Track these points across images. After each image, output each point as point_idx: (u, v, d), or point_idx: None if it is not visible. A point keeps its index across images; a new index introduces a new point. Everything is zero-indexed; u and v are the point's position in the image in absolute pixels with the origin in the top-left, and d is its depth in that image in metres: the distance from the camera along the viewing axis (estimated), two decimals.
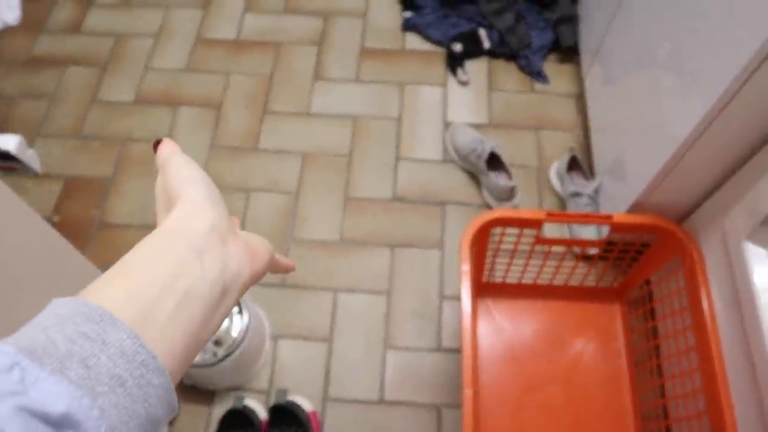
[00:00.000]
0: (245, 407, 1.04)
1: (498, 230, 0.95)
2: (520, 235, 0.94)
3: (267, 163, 1.35)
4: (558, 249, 1.11)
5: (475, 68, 1.48)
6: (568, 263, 1.11)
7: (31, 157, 1.31)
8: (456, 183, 1.31)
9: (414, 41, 1.53)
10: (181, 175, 0.32)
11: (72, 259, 0.83)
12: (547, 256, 1.00)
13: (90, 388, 0.21)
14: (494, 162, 1.26)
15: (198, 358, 0.97)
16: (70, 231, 1.23)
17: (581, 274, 1.10)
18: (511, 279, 1.10)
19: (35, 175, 1.33)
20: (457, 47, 1.46)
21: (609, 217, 0.88)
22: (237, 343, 0.98)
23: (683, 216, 0.97)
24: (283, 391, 1.08)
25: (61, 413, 0.19)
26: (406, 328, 1.15)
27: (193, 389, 1.09)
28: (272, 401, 1.07)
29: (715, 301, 0.83)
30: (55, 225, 1.21)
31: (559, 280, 1.10)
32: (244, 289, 0.31)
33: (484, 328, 1.11)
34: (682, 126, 0.79)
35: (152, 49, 1.52)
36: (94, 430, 0.20)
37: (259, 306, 1.15)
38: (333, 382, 1.10)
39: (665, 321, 0.97)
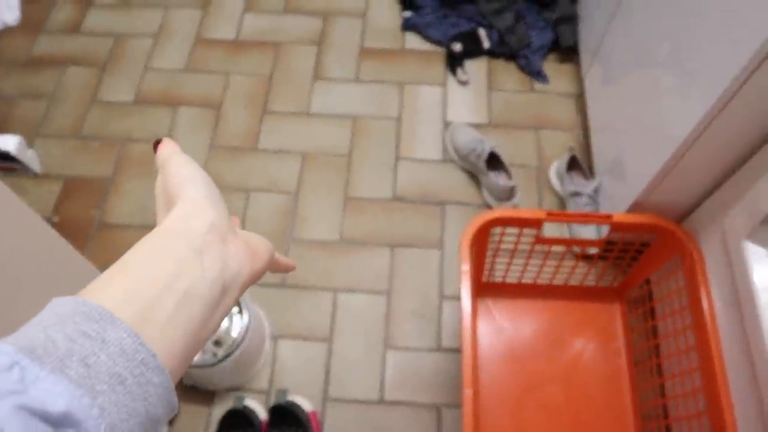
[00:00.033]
0: (245, 407, 1.04)
1: (498, 230, 0.95)
2: (519, 235, 0.94)
3: (266, 163, 1.35)
4: (558, 249, 1.11)
5: (475, 68, 1.48)
6: (568, 263, 1.11)
7: (30, 158, 1.31)
8: (456, 183, 1.31)
9: (414, 41, 1.53)
10: (180, 174, 0.32)
11: (71, 259, 0.83)
12: (546, 255, 1.00)
13: (90, 387, 0.21)
14: (494, 162, 1.26)
15: (198, 359, 0.97)
16: (69, 231, 1.23)
17: (581, 274, 1.10)
18: (511, 279, 1.10)
19: (35, 175, 1.33)
20: (457, 47, 1.46)
21: (609, 216, 0.88)
22: (237, 344, 0.98)
23: (683, 215, 0.97)
24: (283, 392, 1.08)
25: (61, 412, 0.19)
26: (406, 328, 1.15)
27: (193, 389, 1.09)
28: (272, 401, 1.07)
29: (715, 300, 0.83)
30: (54, 225, 1.21)
31: (558, 280, 1.10)
32: (244, 288, 0.31)
33: (484, 328, 1.11)
34: (682, 126, 0.79)
35: (152, 49, 1.52)
36: (94, 428, 0.20)
37: (258, 306, 1.14)
38: (333, 382, 1.10)
39: (665, 320, 0.97)
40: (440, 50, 1.51)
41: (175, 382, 0.25)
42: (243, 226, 1.15)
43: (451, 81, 1.46)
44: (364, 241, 1.24)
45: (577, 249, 1.17)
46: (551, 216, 0.89)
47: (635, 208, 0.97)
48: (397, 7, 1.59)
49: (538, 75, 1.45)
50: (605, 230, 0.94)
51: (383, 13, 1.58)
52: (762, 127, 0.75)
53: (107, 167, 1.35)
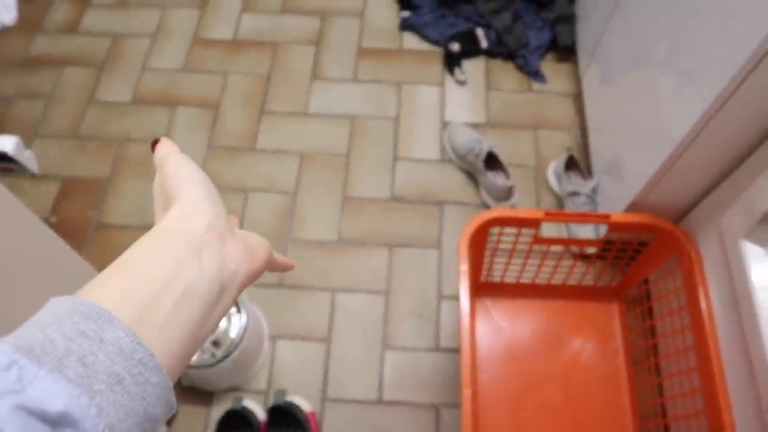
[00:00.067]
0: (244, 408, 1.03)
1: (496, 230, 0.95)
2: (518, 235, 0.94)
3: (265, 163, 1.34)
4: (556, 248, 1.11)
5: (473, 68, 1.48)
6: (566, 262, 1.11)
7: (28, 158, 1.31)
8: (454, 183, 1.31)
9: (411, 41, 1.53)
10: (179, 174, 0.32)
11: (69, 259, 0.83)
12: (545, 255, 1.00)
13: (88, 387, 0.21)
14: (492, 161, 1.26)
15: (196, 359, 0.97)
16: (67, 232, 1.23)
17: (579, 274, 1.10)
18: (510, 278, 1.10)
19: (32, 175, 1.33)
20: (455, 47, 1.46)
21: (607, 216, 0.89)
22: (235, 344, 0.98)
23: (681, 215, 0.97)
24: (282, 392, 1.08)
25: (59, 411, 0.19)
26: (404, 328, 1.15)
27: (191, 390, 1.08)
28: (271, 402, 1.07)
29: (713, 299, 0.83)
30: (52, 226, 1.20)
31: (557, 280, 1.11)
32: (243, 287, 0.31)
33: (482, 328, 1.11)
34: (680, 125, 0.79)
35: (149, 49, 1.52)
36: (92, 428, 0.20)
37: (257, 306, 1.14)
38: (331, 383, 1.10)
39: (663, 320, 0.97)
40: (438, 50, 1.51)
41: (174, 381, 0.25)
42: (241, 227, 1.15)
43: (449, 81, 1.46)
44: (362, 241, 1.24)
45: (575, 249, 1.18)
46: (549, 216, 0.89)
47: (633, 207, 0.97)
48: (394, 6, 1.59)
49: (535, 75, 1.45)
50: (603, 230, 0.94)
51: (381, 13, 1.58)
52: (760, 126, 0.76)
53: (105, 167, 1.35)
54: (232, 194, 1.30)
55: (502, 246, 1.03)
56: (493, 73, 1.47)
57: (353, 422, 1.07)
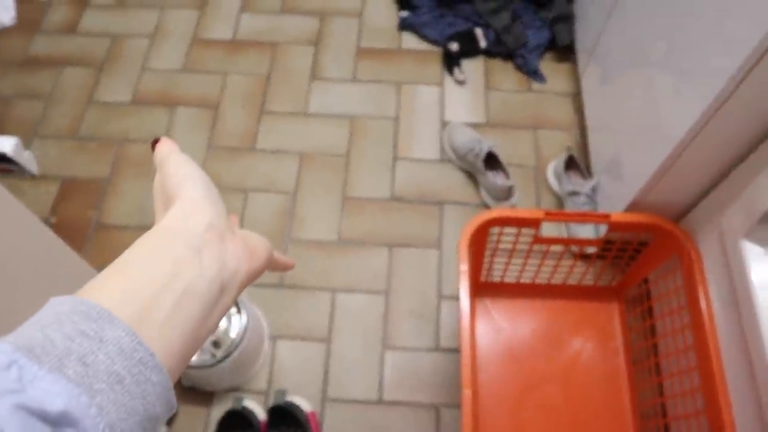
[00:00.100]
0: (244, 408, 1.03)
1: (496, 230, 0.95)
2: (518, 235, 0.94)
3: (264, 164, 1.34)
4: (556, 248, 1.11)
5: (472, 67, 1.48)
6: (566, 262, 1.11)
7: (27, 159, 1.31)
8: (454, 182, 1.31)
9: (410, 41, 1.53)
10: (179, 173, 0.32)
11: (69, 260, 0.83)
12: (545, 255, 1.00)
13: (88, 386, 0.21)
14: (492, 161, 1.26)
15: (196, 359, 0.97)
16: (67, 232, 1.23)
17: (579, 273, 1.10)
18: (510, 278, 1.10)
19: (32, 176, 1.33)
20: (454, 46, 1.46)
21: (607, 216, 0.89)
22: (235, 344, 0.98)
23: (681, 214, 0.97)
24: (282, 392, 1.08)
25: (59, 411, 0.19)
26: (404, 328, 1.15)
27: (191, 390, 1.08)
28: (271, 402, 1.07)
29: (713, 299, 0.83)
30: (52, 226, 1.20)
31: (557, 279, 1.11)
32: (243, 287, 0.30)
33: (482, 328, 1.11)
34: (679, 125, 0.79)
35: (148, 49, 1.52)
36: (92, 427, 0.20)
37: (257, 306, 1.14)
38: (331, 383, 1.10)
39: (663, 319, 0.97)
40: (437, 50, 1.51)
41: (174, 381, 0.25)
42: (241, 227, 1.15)
43: (449, 81, 1.46)
44: (362, 241, 1.24)
45: (575, 248, 1.18)
46: (549, 215, 0.89)
47: (633, 207, 0.97)
48: (393, 6, 1.59)
49: (535, 74, 1.45)
50: (603, 229, 0.94)
51: (380, 13, 1.58)
52: (759, 125, 0.76)
53: (105, 168, 1.34)
54: (232, 194, 1.30)
55: (502, 246, 1.03)
56: (493, 73, 1.47)
57: (353, 422, 1.07)
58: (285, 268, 0.38)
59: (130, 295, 0.25)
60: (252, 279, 0.31)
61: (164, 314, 0.25)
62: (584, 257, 1.15)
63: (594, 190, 1.18)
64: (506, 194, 1.23)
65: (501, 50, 1.47)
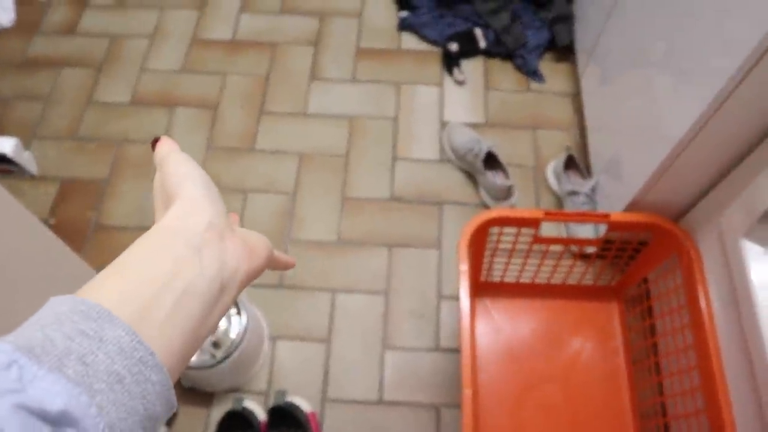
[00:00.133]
0: (244, 409, 1.03)
1: (496, 230, 0.95)
2: (517, 235, 0.94)
3: (264, 164, 1.34)
4: (556, 248, 1.12)
5: (472, 68, 1.48)
6: (566, 262, 1.11)
7: (27, 160, 1.31)
8: (453, 183, 1.31)
9: (410, 41, 1.53)
10: (179, 172, 0.32)
11: (68, 261, 0.83)
12: (544, 255, 1.00)
13: (88, 386, 0.20)
14: (491, 161, 1.26)
15: (196, 360, 0.97)
16: (66, 233, 1.23)
17: (579, 273, 1.10)
18: (509, 278, 1.10)
19: (31, 177, 1.33)
20: (453, 47, 1.46)
21: (606, 215, 0.89)
22: (235, 345, 0.98)
23: (680, 214, 0.97)
24: (282, 393, 1.08)
25: (59, 411, 0.19)
26: (404, 328, 1.15)
27: (191, 391, 1.08)
28: (271, 402, 1.07)
29: (713, 298, 0.83)
30: (51, 227, 1.20)
31: (556, 279, 1.11)
32: (243, 286, 0.30)
33: (482, 328, 1.11)
34: (679, 125, 0.79)
35: (147, 50, 1.52)
36: (92, 427, 0.20)
37: (256, 307, 1.14)
38: (331, 383, 1.10)
39: (663, 319, 0.97)
40: (436, 50, 1.51)
41: (174, 380, 0.25)
42: (241, 227, 1.16)
43: (448, 81, 1.46)
44: (361, 242, 1.24)
45: (574, 248, 1.18)
46: (549, 215, 0.89)
47: (632, 207, 0.97)
48: (393, 7, 1.59)
49: (534, 74, 1.45)
50: (603, 229, 0.94)
51: (379, 13, 1.58)
52: (759, 125, 0.76)
53: (104, 168, 1.34)
54: (232, 195, 1.30)
55: (501, 246, 1.03)
56: (492, 73, 1.47)
57: (353, 422, 1.07)
58: (285, 266, 0.38)
59: (130, 294, 0.25)
60: (252, 278, 0.31)
61: (164, 313, 0.25)
62: (584, 257, 1.15)
63: (593, 189, 1.18)
64: (506, 194, 1.23)
65: (500, 50, 1.48)
